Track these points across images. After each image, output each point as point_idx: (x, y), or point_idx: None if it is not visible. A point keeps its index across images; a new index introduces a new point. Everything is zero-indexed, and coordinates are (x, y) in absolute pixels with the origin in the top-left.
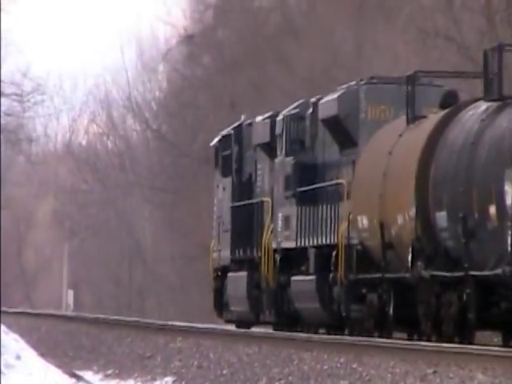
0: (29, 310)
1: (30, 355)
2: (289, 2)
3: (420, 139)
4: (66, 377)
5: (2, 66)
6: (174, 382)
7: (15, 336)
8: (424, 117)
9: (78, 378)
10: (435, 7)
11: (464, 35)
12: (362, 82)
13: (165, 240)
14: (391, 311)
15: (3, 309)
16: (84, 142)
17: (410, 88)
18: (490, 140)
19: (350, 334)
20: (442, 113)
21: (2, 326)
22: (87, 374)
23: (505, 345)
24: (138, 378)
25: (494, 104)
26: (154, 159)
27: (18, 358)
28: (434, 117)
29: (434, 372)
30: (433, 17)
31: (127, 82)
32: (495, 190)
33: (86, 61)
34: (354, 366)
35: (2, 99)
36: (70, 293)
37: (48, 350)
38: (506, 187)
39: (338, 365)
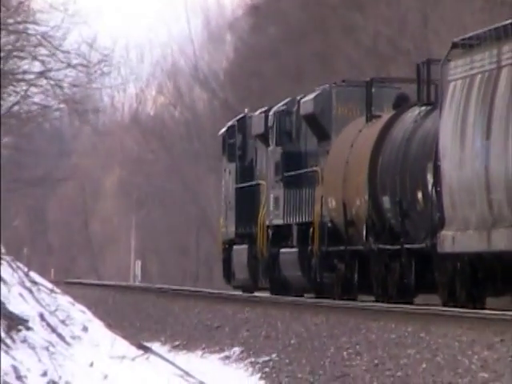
0: (96, 281)
1: (96, 326)
2: None
3: (373, 135)
4: (133, 348)
5: (68, 37)
6: (241, 352)
7: (82, 307)
8: (379, 116)
9: (146, 349)
10: None
11: None
12: (334, 85)
13: None
14: (356, 278)
15: (70, 280)
16: (152, 113)
17: (368, 91)
18: (419, 138)
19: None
20: (391, 113)
21: (69, 298)
22: (155, 345)
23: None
24: (205, 349)
25: (426, 108)
26: (221, 128)
27: (85, 329)
28: (386, 116)
29: (501, 340)
30: None
31: (194, 52)
32: (421, 179)
33: (153, 31)
34: (422, 335)
35: (68, 70)
36: (138, 263)
37: (115, 321)
38: (428, 177)
39: (406, 334)
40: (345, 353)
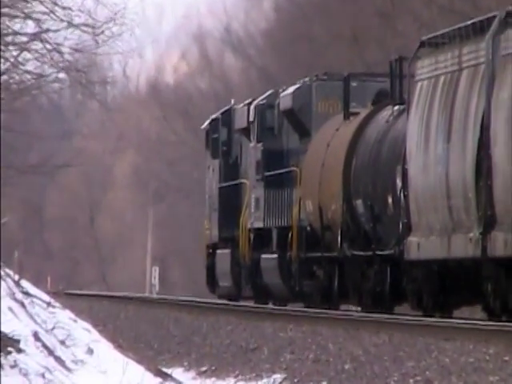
0: (104, 293)
1: (104, 348)
2: None
3: (348, 134)
4: (149, 375)
5: None
6: (284, 379)
7: (86, 325)
8: (357, 113)
9: (165, 376)
10: None
11: None
12: (315, 78)
13: None
14: (336, 286)
15: (72, 291)
16: (173, 84)
17: (345, 87)
18: (390, 140)
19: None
20: (366, 111)
21: (70, 313)
22: (176, 372)
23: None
24: (239, 376)
25: (399, 107)
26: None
27: (90, 351)
28: (363, 114)
29: None
30: None
31: (225, 11)
32: (391, 182)
33: None
34: (506, 358)
35: (69, 31)
36: (156, 270)
37: (127, 341)
38: (398, 181)
39: (487, 357)
40: (411, 380)
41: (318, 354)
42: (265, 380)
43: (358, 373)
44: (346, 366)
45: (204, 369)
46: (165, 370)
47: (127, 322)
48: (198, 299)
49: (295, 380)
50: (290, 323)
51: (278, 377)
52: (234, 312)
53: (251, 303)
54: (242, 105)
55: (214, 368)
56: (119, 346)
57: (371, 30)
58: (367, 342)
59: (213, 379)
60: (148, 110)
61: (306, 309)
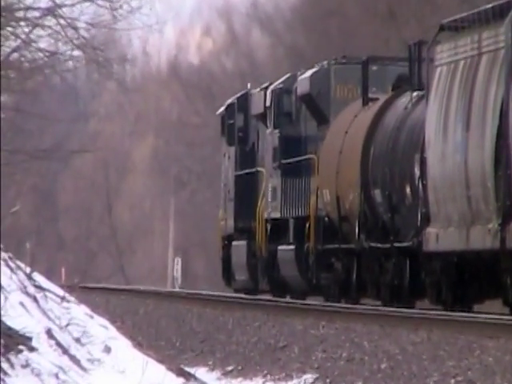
0: (122, 286)
1: (122, 346)
2: None
3: (366, 121)
4: (171, 375)
5: None
6: (315, 379)
7: (103, 321)
8: (376, 99)
9: (188, 376)
10: None
11: None
12: (333, 62)
13: None
14: (354, 278)
15: (88, 284)
16: (196, 62)
17: (364, 71)
18: (408, 127)
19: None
20: (385, 97)
21: (86, 308)
22: (200, 371)
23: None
24: (267, 376)
25: (418, 94)
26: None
27: (107, 350)
28: (382, 100)
29: None
30: None
31: None
32: (409, 171)
33: None
34: None
35: (85, 5)
36: (178, 261)
37: (147, 339)
38: (416, 169)
39: None
40: (452, 380)
41: (351, 352)
42: (295, 380)
43: (394, 373)
44: (382, 366)
45: (230, 368)
46: (187, 369)
47: (147, 318)
48: (224, 293)
49: (327, 380)
50: (321, 319)
51: (309, 377)
52: (262, 307)
53: (269, 297)
54: (258, 89)
55: (240, 367)
56: (138, 344)
57: (409, 4)
58: (404, 340)
59: (239, 379)
60: (169, 90)
61: (338, 304)
